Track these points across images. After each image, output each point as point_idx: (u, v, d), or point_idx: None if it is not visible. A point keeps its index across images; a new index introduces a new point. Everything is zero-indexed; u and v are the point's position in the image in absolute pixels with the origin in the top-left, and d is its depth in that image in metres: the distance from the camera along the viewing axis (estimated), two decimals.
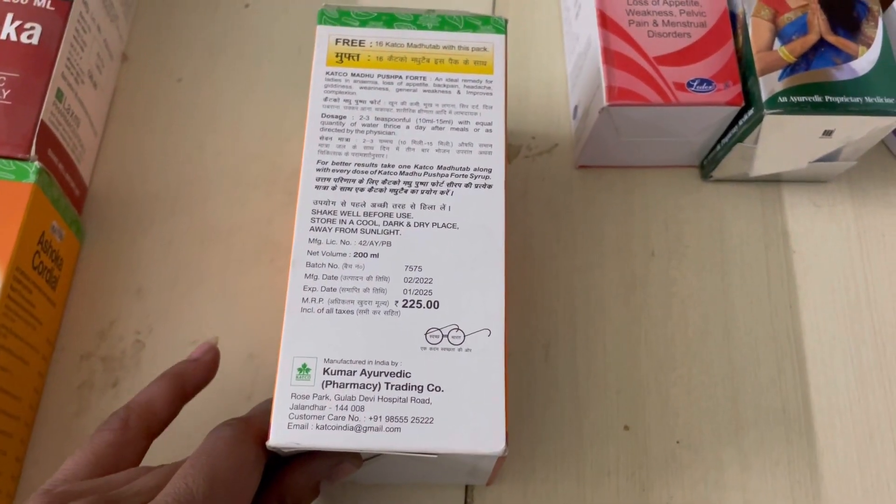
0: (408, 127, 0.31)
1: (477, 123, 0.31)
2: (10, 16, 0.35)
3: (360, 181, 0.31)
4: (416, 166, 0.31)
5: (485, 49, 0.33)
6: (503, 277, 0.29)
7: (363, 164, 0.31)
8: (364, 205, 0.30)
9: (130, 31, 0.44)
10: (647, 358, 0.37)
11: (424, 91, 0.32)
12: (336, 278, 0.29)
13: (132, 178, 0.40)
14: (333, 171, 0.31)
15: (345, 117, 0.32)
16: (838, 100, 0.35)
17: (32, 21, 0.35)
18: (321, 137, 0.31)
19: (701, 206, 0.41)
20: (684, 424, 0.36)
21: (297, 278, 0.29)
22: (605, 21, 0.37)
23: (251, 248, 0.39)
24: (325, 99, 0.32)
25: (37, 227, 0.33)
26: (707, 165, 0.40)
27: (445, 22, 0.33)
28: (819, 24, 0.36)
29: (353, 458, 0.28)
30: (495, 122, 0.32)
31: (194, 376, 0.30)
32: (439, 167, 0.31)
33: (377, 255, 0.29)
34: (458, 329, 0.28)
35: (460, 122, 0.31)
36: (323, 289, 0.29)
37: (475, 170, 0.31)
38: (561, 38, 0.45)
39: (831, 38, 0.36)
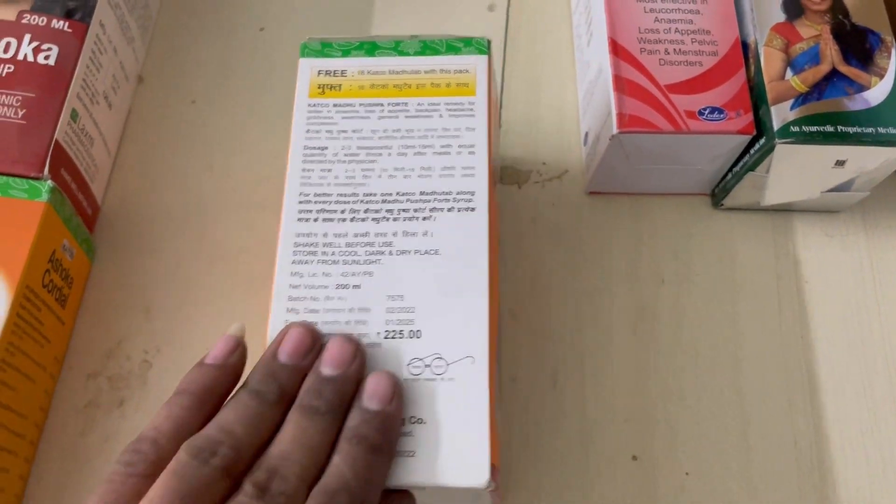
0: (389, 154, 0.31)
1: (459, 146, 0.31)
2: (27, 37, 0.35)
3: (342, 212, 0.30)
4: (398, 193, 0.30)
5: (467, 71, 0.32)
6: (487, 302, 0.28)
7: (345, 195, 0.30)
8: (346, 235, 0.30)
9: (146, 53, 0.44)
10: (656, 387, 0.37)
11: (406, 117, 0.32)
12: (318, 311, 0.29)
13: (144, 198, 0.40)
14: (315, 202, 0.30)
15: (326, 148, 0.31)
16: (851, 130, 0.35)
17: (49, 42, 0.35)
18: (303, 170, 0.31)
19: (712, 235, 0.40)
20: (693, 455, 0.36)
21: (278, 313, 0.29)
22: (616, 49, 0.37)
23: (259, 269, 0.39)
24: (308, 131, 0.32)
25: (48, 245, 0.33)
26: (718, 194, 0.40)
27: (427, 46, 0.33)
28: (831, 54, 0.36)
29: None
30: (478, 143, 0.31)
31: (223, 387, 0.25)
32: (421, 193, 0.30)
33: (359, 287, 0.29)
34: (440, 358, 0.28)
35: (442, 147, 0.31)
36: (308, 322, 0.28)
37: (458, 193, 0.30)
38: (573, 65, 0.45)
39: (844, 69, 0.36)
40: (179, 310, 0.38)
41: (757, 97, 0.36)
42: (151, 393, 0.36)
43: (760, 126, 0.36)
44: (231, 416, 0.23)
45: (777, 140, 0.35)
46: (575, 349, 0.38)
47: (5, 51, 0.35)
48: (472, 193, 0.30)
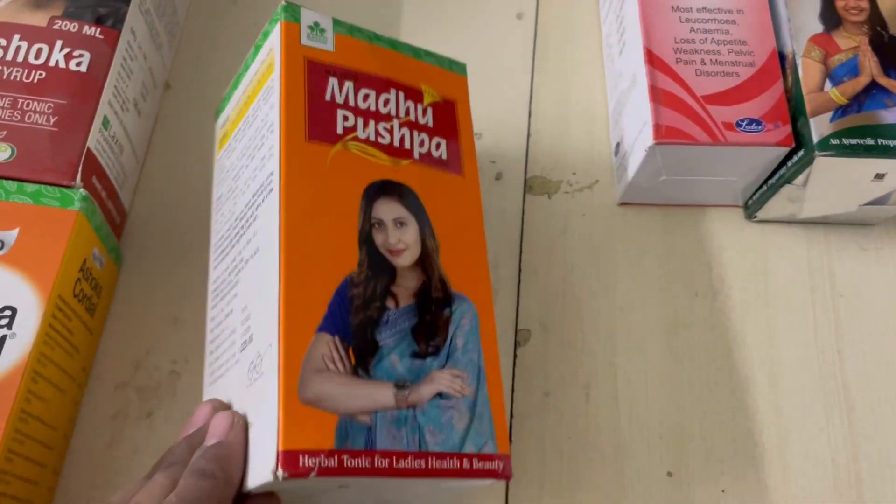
0: (244, 172, 0.31)
1: (267, 131, 0.29)
2: (59, 43, 0.35)
3: (226, 246, 0.31)
4: (245, 206, 0.30)
5: (273, 49, 0.30)
6: (276, 282, 0.26)
7: (228, 229, 0.31)
8: (228, 268, 0.30)
9: (173, 60, 0.44)
10: (691, 402, 0.36)
11: (248, 128, 0.31)
12: (220, 345, 0.30)
13: (171, 206, 0.40)
14: (219, 246, 0.32)
15: (222, 194, 0.32)
16: (891, 143, 0.34)
17: (81, 49, 0.35)
18: (215, 221, 0.32)
19: (745, 247, 0.40)
20: (729, 472, 0.35)
21: (207, 354, 0.31)
22: (652, 59, 0.37)
23: None
24: (216, 185, 0.33)
25: (79, 254, 0.33)
26: (751, 206, 0.40)
27: (257, 47, 0.32)
28: (871, 66, 0.36)
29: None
30: (274, 120, 0.29)
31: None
32: (253, 195, 0.29)
33: (232, 311, 0.29)
34: (259, 356, 0.27)
35: (261, 139, 0.30)
36: (215, 359, 0.30)
37: (265, 181, 0.29)
38: (602, 74, 0.44)
39: (883, 81, 0.36)
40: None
41: (795, 109, 0.36)
42: (180, 404, 0.35)
43: (799, 138, 0.35)
44: (140, 490, 0.26)
45: (817, 153, 0.34)
46: (608, 363, 0.37)
47: (37, 57, 0.35)
48: (272, 173, 0.28)
